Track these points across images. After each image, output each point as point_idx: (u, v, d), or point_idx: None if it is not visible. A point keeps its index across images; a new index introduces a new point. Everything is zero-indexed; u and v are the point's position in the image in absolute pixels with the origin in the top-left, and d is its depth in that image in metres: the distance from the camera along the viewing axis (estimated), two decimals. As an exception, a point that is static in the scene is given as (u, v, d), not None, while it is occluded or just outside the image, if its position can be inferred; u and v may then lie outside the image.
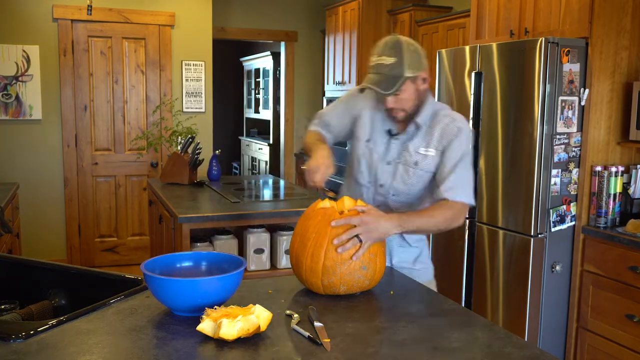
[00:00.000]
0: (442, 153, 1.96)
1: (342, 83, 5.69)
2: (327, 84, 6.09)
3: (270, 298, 1.75)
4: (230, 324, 1.39)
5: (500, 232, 3.29)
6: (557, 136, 3.08)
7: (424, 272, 2.15)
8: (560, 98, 3.06)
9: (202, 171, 4.79)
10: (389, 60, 1.85)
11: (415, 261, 2.15)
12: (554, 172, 3.10)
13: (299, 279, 1.83)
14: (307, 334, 1.46)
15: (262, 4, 6.69)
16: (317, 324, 1.53)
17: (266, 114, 8.16)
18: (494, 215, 3.35)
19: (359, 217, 1.73)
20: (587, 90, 3.08)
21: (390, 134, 2.03)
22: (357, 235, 1.71)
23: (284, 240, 3.35)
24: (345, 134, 2.16)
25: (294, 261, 1.81)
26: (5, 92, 5.03)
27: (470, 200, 1.94)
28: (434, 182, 1.98)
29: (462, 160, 1.94)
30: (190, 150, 4.20)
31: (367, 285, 1.78)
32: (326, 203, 1.84)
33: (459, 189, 1.92)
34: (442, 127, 1.97)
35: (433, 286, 2.17)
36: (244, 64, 9.39)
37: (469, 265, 3.56)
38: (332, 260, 1.70)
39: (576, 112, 3.11)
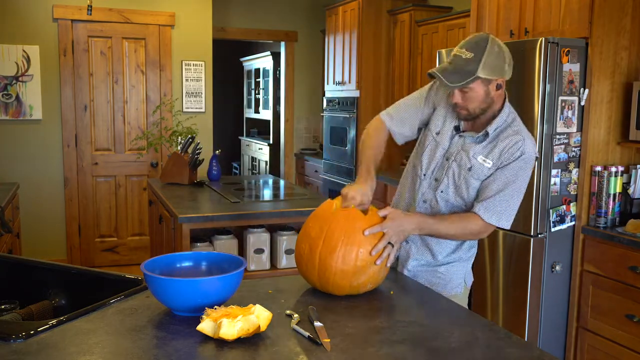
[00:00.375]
0: (497, 168, 1.91)
1: (342, 83, 5.69)
2: (327, 84, 6.09)
3: (270, 298, 1.75)
4: (230, 324, 1.40)
5: (500, 232, 3.29)
6: (557, 136, 3.08)
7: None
8: (560, 98, 3.06)
9: (202, 171, 4.79)
10: (467, 54, 1.81)
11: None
12: (553, 172, 3.10)
13: (318, 282, 1.78)
14: (307, 334, 1.46)
15: (262, 4, 6.69)
16: (317, 324, 1.53)
17: (266, 114, 8.16)
18: (494, 215, 3.34)
19: (387, 224, 1.79)
20: (587, 90, 3.08)
21: (457, 129, 1.98)
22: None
23: (284, 240, 3.35)
24: (420, 128, 2.11)
25: (315, 264, 1.76)
26: (5, 92, 5.03)
27: (504, 224, 1.90)
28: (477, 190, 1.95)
29: (512, 184, 1.88)
30: (190, 150, 4.20)
31: (384, 277, 1.86)
32: (339, 203, 1.86)
33: (497, 214, 1.88)
34: (508, 143, 1.89)
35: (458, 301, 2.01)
36: (244, 64, 9.40)
37: (469, 265, 3.55)
38: (364, 261, 1.75)
39: (576, 112, 3.11)
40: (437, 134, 2.00)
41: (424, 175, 2.02)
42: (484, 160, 1.90)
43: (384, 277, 1.85)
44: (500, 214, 1.87)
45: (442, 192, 1.98)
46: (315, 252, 1.77)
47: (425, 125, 2.10)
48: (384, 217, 1.81)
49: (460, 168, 1.94)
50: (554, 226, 3.12)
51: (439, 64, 3.80)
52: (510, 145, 1.88)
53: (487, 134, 1.92)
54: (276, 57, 7.65)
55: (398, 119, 2.09)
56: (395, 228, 1.79)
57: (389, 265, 1.79)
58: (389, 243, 1.78)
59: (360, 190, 1.86)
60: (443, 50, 3.78)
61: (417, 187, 2.05)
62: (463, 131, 1.97)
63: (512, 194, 1.88)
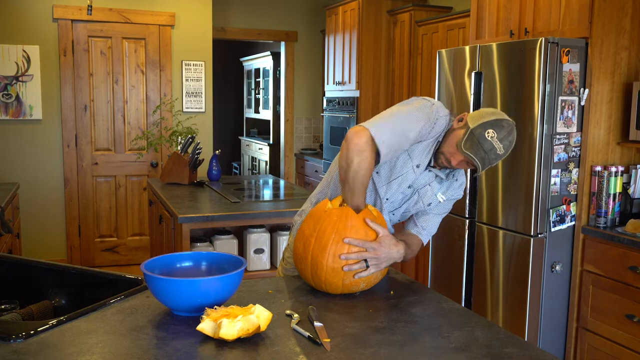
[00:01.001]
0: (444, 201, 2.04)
1: (342, 83, 5.69)
2: (327, 84, 6.09)
3: (270, 298, 1.75)
4: (230, 324, 1.40)
5: (500, 232, 3.29)
6: (557, 136, 3.08)
7: None
8: (560, 98, 3.06)
9: (202, 171, 4.80)
10: (501, 151, 1.79)
11: None
12: (553, 172, 3.10)
13: (312, 280, 1.80)
14: (307, 334, 1.46)
15: (262, 4, 6.69)
16: (317, 324, 1.53)
17: (266, 114, 8.16)
18: (494, 215, 3.35)
19: (373, 246, 1.76)
20: (587, 90, 3.08)
21: (429, 164, 1.96)
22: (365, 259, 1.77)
23: (284, 240, 3.35)
24: None
25: (308, 263, 1.78)
26: (5, 92, 5.03)
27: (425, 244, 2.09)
28: (416, 214, 2.05)
29: (444, 215, 2.07)
30: (190, 150, 4.20)
31: (380, 278, 1.85)
32: (336, 203, 1.86)
33: (430, 235, 2.06)
34: (460, 186, 2.03)
35: None
36: (244, 64, 9.40)
37: (469, 265, 3.56)
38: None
39: (576, 112, 3.11)
40: (417, 166, 1.93)
41: (387, 199, 1.98)
42: (441, 197, 2.00)
43: (379, 277, 1.84)
44: (431, 235, 2.07)
45: (393, 214, 2.02)
46: (308, 251, 1.78)
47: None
48: (376, 235, 1.79)
49: (420, 200, 1.98)
50: (554, 226, 3.12)
51: (439, 63, 3.80)
52: (459, 185, 2.03)
53: (454, 177, 2.00)
54: (276, 57, 7.65)
55: (393, 154, 1.88)
56: (385, 255, 1.79)
57: (356, 277, 1.75)
58: (365, 260, 1.76)
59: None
60: (443, 51, 3.78)
61: (377, 204, 2.01)
62: (433, 166, 1.96)
63: (441, 220, 2.07)
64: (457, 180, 2.01)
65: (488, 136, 1.77)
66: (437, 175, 1.96)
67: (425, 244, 2.06)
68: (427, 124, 1.84)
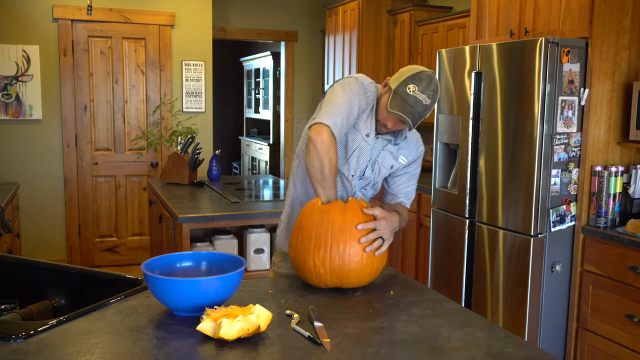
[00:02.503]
0: (409, 164, 2.15)
1: (342, 83, 5.69)
2: (327, 84, 6.09)
3: (270, 298, 1.76)
4: (230, 324, 1.40)
5: (500, 232, 3.29)
6: (557, 136, 3.08)
7: None
8: (560, 98, 3.06)
9: (202, 171, 4.80)
10: (427, 101, 1.90)
11: None
12: (553, 172, 3.10)
13: (319, 279, 1.83)
14: (307, 334, 1.46)
15: (262, 4, 6.69)
16: (317, 324, 1.53)
17: (266, 114, 8.16)
18: (494, 215, 3.35)
19: (381, 222, 1.86)
20: (587, 90, 3.08)
21: (376, 132, 2.07)
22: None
23: (284, 240, 3.35)
24: None
25: (295, 257, 1.86)
26: (5, 92, 5.03)
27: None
28: (387, 183, 2.19)
29: (417, 175, 2.21)
30: (190, 150, 4.20)
31: (369, 274, 1.88)
32: (318, 202, 1.91)
33: (412, 198, 2.21)
34: (415, 143, 2.15)
35: None
36: (244, 64, 9.40)
37: (469, 265, 3.56)
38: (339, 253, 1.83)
39: (576, 112, 3.11)
40: (367, 135, 2.05)
41: (352, 176, 2.07)
42: (402, 159, 2.12)
43: (369, 272, 1.85)
44: (412, 198, 2.22)
45: (364, 189, 2.13)
46: (290, 244, 1.88)
47: None
48: (372, 215, 1.88)
49: (381, 167, 2.10)
50: (554, 226, 3.12)
51: (439, 63, 3.80)
52: (414, 143, 2.15)
53: (404, 136, 2.10)
54: (276, 57, 7.65)
55: (342, 131, 1.99)
56: (391, 227, 1.89)
57: (377, 254, 1.84)
58: (381, 237, 1.86)
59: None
60: (443, 51, 3.78)
61: (346, 186, 2.08)
62: (382, 133, 2.07)
63: (416, 181, 2.22)
64: (406, 138, 2.11)
65: (410, 91, 1.90)
66: (388, 140, 2.08)
67: (408, 206, 2.20)
68: (361, 96, 2.01)
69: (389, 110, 1.91)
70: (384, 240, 1.86)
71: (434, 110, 3.34)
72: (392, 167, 2.11)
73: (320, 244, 1.79)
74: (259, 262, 3.34)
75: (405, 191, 2.19)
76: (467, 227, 3.55)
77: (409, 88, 1.90)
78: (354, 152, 2.05)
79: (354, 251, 1.80)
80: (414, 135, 2.16)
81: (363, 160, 2.06)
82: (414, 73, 1.92)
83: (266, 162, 7.96)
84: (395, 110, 1.90)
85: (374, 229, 1.85)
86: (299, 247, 1.83)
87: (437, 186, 3.84)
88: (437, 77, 1.96)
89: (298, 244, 1.84)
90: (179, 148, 4.37)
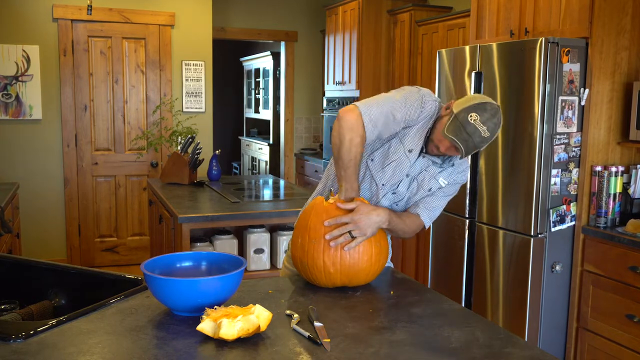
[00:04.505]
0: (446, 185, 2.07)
1: (342, 83, 5.69)
2: (327, 84, 6.09)
3: (270, 298, 1.76)
4: (230, 324, 1.39)
5: (500, 232, 3.29)
6: (557, 136, 3.08)
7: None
8: (560, 98, 3.06)
9: (202, 171, 4.79)
10: (486, 133, 1.81)
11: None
12: (554, 172, 3.10)
13: (304, 273, 1.85)
14: (307, 334, 1.46)
15: (262, 4, 6.69)
16: (317, 324, 1.53)
17: (266, 114, 8.16)
18: (494, 215, 3.35)
19: (349, 216, 1.81)
20: (587, 90, 3.08)
21: (421, 150, 2.00)
22: (349, 232, 1.81)
23: (284, 240, 3.35)
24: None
25: (296, 255, 1.87)
26: (5, 92, 5.03)
27: (427, 226, 2.08)
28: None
29: (449, 197, 2.08)
30: (190, 150, 4.20)
31: (384, 258, 1.89)
32: (330, 199, 1.90)
33: (432, 217, 2.06)
34: (461, 168, 2.05)
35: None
36: (244, 64, 9.39)
37: (469, 265, 3.56)
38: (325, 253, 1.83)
39: (576, 112, 3.11)
40: (410, 151, 1.98)
41: (383, 185, 2.02)
42: (442, 182, 2.02)
43: (375, 270, 1.86)
44: (433, 217, 2.06)
45: (396, 205, 2.05)
46: (296, 245, 1.88)
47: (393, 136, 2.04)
48: (351, 210, 1.84)
49: (419, 187, 2.01)
50: (554, 226, 3.12)
51: (439, 63, 3.80)
52: (462, 169, 2.05)
53: (452, 162, 2.02)
54: (276, 57, 7.65)
55: (379, 136, 1.96)
56: (365, 222, 1.81)
57: (346, 249, 1.80)
58: (349, 233, 1.80)
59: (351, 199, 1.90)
60: (443, 50, 3.78)
61: (369, 190, 2.05)
62: (427, 152, 2.00)
63: (445, 203, 2.07)
64: (453, 165, 2.03)
65: (471, 119, 1.81)
66: (433, 162, 2.00)
67: (426, 225, 2.05)
68: (413, 106, 1.91)
69: (445, 134, 1.83)
70: (352, 237, 1.81)
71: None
72: (430, 189, 2.02)
73: (331, 244, 1.80)
74: (259, 262, 3.34)
75: (431, 208, 2.04)
76: (467, 227, 3.55)
77: (470, 116, 1.81)
78: (392, 162, 1.99)
79: (363, 250, 1.81)
80: (465, 164, 2.07)
81: (399, 174, 2.00)
82: (480, 102, 1.84)
83: (266, 162, 7.96)
84: (450, 135, 1.82)
85: (346, 223, 1.80)
86: (306, 248, 1.83)
87: (437, 186, 3.84)
88: (500, 112, 1.85)
89: (306, 244, 1.83)
90: (179, 148, 4.37)
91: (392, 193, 2.03)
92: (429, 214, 2.03)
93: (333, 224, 1.81)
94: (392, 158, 1.98)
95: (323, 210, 1.85)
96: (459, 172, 2.05)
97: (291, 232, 3.36)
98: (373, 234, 1.85)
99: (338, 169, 1.90)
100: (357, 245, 1.81)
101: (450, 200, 2.10)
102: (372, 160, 2.02)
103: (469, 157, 2.08)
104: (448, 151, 1.90)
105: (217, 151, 4.46)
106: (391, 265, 2.22)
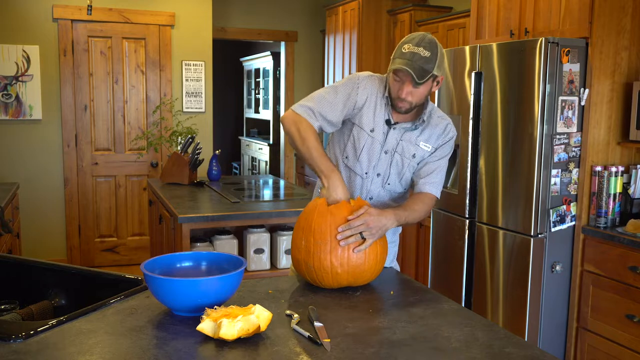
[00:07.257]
0: (435, 149, 2.08)
1: (342, 83, 5.68)
2: (327, 83, 6.09)
3: (270, 298, 1.76)
4: (230, 324, 1.40)
5: (500, 232, 3.29)
6: (557, 136, 3.08)
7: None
8: (560, 98, 3.06)
9: (202, 171, 4.80)
10: (425, 53, 1.88)
11: (393, 259, 2.23)
12: (554, 172, 3.10)
13: (308, 274, 1.85)
14: (307, 334, 1.46)
15: (262, 4, 6.69)
16: (317, 324, 1.53)
17: (266, 114, 8.16)
18: (494, 215, 3.35)
19: (362, 219, 1.82)
20: (587, 90, 3.08)
21: (388, 123, 2.04)
22: (360, 233, 1.82)
23: (284, 240, 3.35)
24: (338, 124, 2.09)
25: (298, 256, 1.86)
26: (5, 92, 5.03)
27: (439, 195, 2.12)
28: (415, 173, 2.12)
29: (444, 160, 2.11)
30: (190, 150, 4.20)
31: (367, 274, 1.87)
32: (318, 196, 1.94)
33: (439, 185, 2.09)
34: (440, 128, 2.08)
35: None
36: (244, 64, 9.39)
37: (469, 265, 3.55)
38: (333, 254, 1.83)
39: (576, 112, 3.11)
40: (372, 130, 2.04)
41: (366, 173, 2.07)
42: (425, 145, 2.06)
43: (379, 268, 1.87)
44: (440, 185, 2.10)
45: (389, 184, 2.08)
46: (299, 247, 1.87)
47: (347, 123, 2.11)
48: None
49: (403, 157, 2.06)
50: (554, 226, 3.12)
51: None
52: (442, 128, 2.08)
53: (423, 121, 2.05)
54: (276, 57, 7.65)
55: (324, 120, 2.03)
56: (375, 223, 1.83)
57: (355, 252, 1.80)
58: (360, 234, 1.82)
59: (339, 191, 1.90)
60: (443, 50, 3.77)
61: (357, 186, 2.09)
62: (395, 123, 2.04)
63: (445, 167, 2.12)
64: (424, 121, 2.05)
65: (405, 49, 1.90)
66: (405, 129, 2.04)
67: (437, 195, 2.08)
68: (344, 84, 2.03)
69: (390, 69, 1.91)
70: (364, 238, 1.82)
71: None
72: (414, 155, 2.05)
73: (338, 245, 1.80)
74: (259, 262, 3.34)
75: (434, 179, 2.07)
76: (467, 227, 3.55)
77: (403, 48, 1.91)
78: (363, 149, 2.05)
79: (370, 249, 1.83)
80: (440, 120, 2.08)
81: (374, 156, 2.05)
82: (406, 37, 1.95)
83: (266, 162, 7.96)
84: (393, 66, 1.90)
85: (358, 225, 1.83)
86: (312, 249, 1.82)
87: (437, 186, 3.84)
88: (429, 35, 1.95)
89: (310, 246, 1.82)
90: (179, 148, 4.37)
91: (377, 175, 2.07)
92: (435, 186, 2.07)
93: (347, 229, 1.81)
94: (361, 145, 2.05)
95: (327, 212, 1.84)
96: (443, 132, 2.07)
97: (291, 232, 3.37)
98: (380, 237, 1.87)
99: (310, 165, 1.96)
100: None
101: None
102: (346, 157, 2.09)
103: (451, 123, 2.12)
104: (406, 88, 1.92)
105: (217, 151, 4.46)
106: (397, 267, 2.22)
